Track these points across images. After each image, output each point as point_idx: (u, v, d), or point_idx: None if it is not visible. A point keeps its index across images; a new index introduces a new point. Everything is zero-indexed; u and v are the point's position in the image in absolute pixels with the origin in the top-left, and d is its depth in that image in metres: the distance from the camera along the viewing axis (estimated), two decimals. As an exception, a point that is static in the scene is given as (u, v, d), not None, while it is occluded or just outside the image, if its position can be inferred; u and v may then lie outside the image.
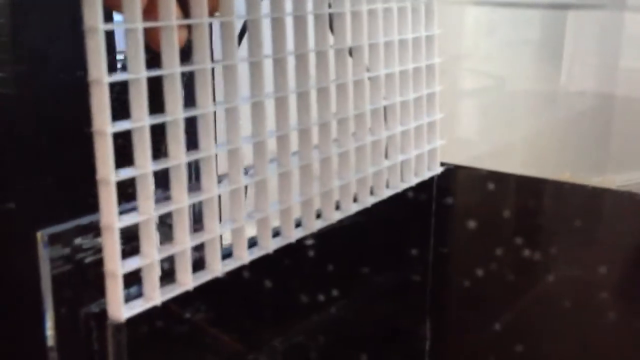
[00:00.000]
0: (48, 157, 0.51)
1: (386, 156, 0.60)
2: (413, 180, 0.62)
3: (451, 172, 0.66)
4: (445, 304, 0.69)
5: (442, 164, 0.65)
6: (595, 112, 1.04)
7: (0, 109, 0.51)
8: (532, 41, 1.07)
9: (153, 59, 0.42)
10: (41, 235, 0.40)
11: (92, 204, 0.43)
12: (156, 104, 0.42)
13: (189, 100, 0.45)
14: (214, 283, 0.46)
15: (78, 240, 0.42)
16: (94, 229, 0.43)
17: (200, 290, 0.45)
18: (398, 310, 0.68)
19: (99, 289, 0.43)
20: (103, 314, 0.43)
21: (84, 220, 0.41)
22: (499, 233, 0.65)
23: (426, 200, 0.66)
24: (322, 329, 0.59)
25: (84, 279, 0.41)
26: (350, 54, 0.56)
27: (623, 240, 0.62)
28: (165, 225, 0.44)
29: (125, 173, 0.40)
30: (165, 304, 0.44)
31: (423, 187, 0.64)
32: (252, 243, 0.50)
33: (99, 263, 0.44)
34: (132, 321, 0.42)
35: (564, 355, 0.65)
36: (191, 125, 0.45)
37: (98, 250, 0.44)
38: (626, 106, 1.00)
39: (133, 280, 0.42)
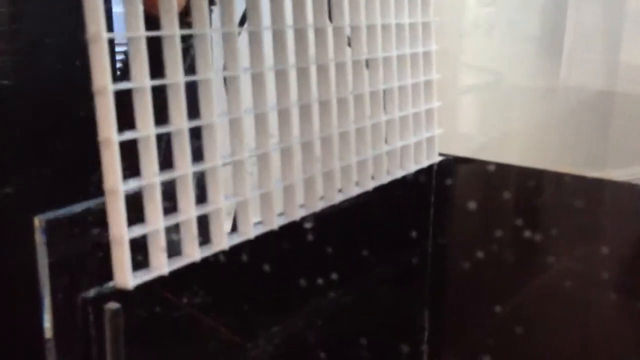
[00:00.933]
0: (46, 143, 0.50)
1: (386, 142, 0.60)
2: (412, 167, 0.63)
3: (450, 163, 0.66)
4: (444, 294, 0.69)
5: (441, 154, 0.65)
6: (594, 108, 1.03)
7: (-1, 97, 0.51)
8: (532, 36, 1.06)
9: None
10: (38, 220, 0.40)
11: (89, 190, 0.43)
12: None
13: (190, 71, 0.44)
14: (212, 266, 0.46)
15: (75, 226, 0.41)
16: (92, 215, 0.43)
17: (198, 273, 0.45)
18: (396, 300, 0.67)
19: (96, 275, 0.43)
20: (100, 299, 0.42)
21: (82, 206, 0.41)
22: (498, 224, 0.65)
23: (425, 191, 0.66)
24: (320, 315, 0.59)
25: (81, 265, 0.41)
26: (349, 43, 0.56)
27: (622, 230, 0.62)
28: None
29: (128, 135, 0.40)
30: (162, 290, 0.44)
31: (422, 176, 0.64)
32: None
33: (96, 249, 0.43)
34: (129, 306, 0.42)
35: (564, 341, 0.65)
36: (193, 97, 0.45)
37: (95, 236, 0.43)
38: (626, 102, 1.00)
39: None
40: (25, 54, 0.52)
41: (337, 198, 0.55)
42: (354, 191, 0.57)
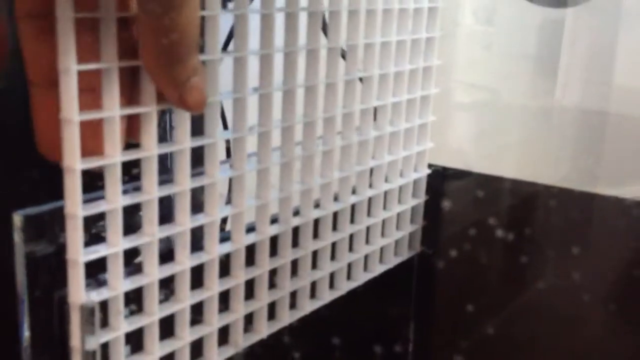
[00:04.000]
0: (26, 140, 0.50)
1: (367, 241, 0.57)
2: (392, 261, 0.60)
3: (439, 174, 0.65)
4: (430, 307, 0.68)
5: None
6: (588, 128, 1.03)
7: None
8: (528, 55, 1.07)
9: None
10: (17, 217, 0.39)
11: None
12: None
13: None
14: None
15: (55, 223, 0.40)
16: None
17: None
18: (383, 312, 0.67)
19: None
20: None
21: (60, 203, 0.40)
22: (489, 238, 0.65)
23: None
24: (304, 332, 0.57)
25: (59, 263, 0.40)
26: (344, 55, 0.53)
27: (612, 245, 0.61)
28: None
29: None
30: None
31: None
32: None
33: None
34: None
35: (552, 355, 0.64)
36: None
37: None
38: (619, 122, 1.00)
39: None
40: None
41: (310, 307, 0.52)
42: (328, 297, 0.53)
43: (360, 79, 0.54)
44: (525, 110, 1.04)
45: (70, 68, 0.34)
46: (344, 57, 0.52)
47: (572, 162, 1.01)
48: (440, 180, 0.64)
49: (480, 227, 0.64)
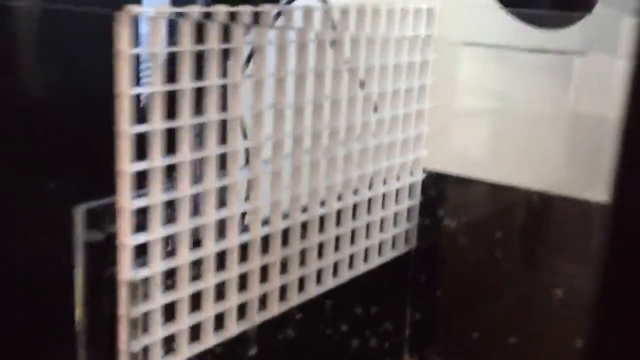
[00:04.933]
0: (86, 146, 0.58)
1: (367, 236, 0.66)
2: (390, 255, 0.69)
3: (435, 178, 0.72)
4: (425, 296, 0.74)
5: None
6: (594, 135, 1.08)
7: (49, 108, 0.57)
8: (542, 65, 1.12)
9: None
10: (78, 210, 0.48)
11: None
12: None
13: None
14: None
15: (107, 215, 0.49)
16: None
17: None
18: (381, 299, 0.74)
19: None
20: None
21: (113, 199, 0.49)
22: (480, 237, 0.70)
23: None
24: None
25: (111, 247, 0.49)
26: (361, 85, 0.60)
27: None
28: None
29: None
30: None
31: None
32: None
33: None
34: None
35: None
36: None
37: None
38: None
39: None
40: (72, 73, 0.59)
41: (317, 291, 0.60)
42: (330, 283, 0.61)
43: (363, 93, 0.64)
44: (535, 117, 1.08)
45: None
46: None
47: (582, 170, 1.05)
48: (436, 184, 0.71)
49: (472, 228, 0.69)
